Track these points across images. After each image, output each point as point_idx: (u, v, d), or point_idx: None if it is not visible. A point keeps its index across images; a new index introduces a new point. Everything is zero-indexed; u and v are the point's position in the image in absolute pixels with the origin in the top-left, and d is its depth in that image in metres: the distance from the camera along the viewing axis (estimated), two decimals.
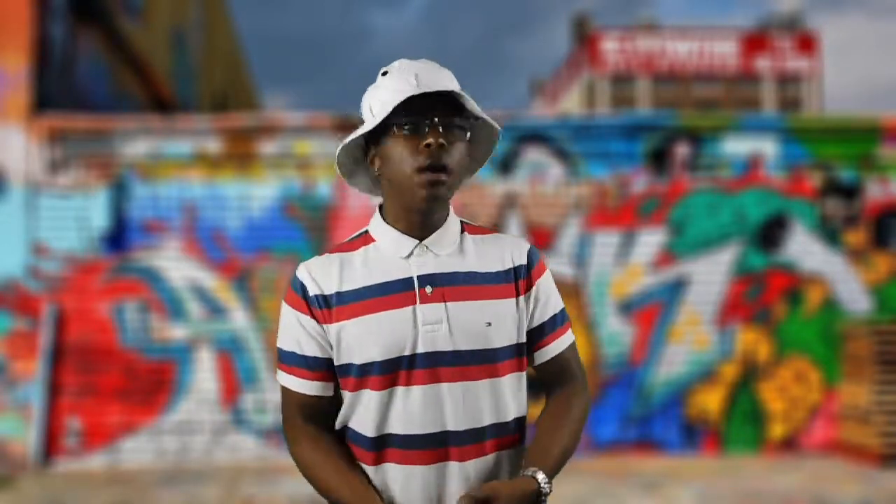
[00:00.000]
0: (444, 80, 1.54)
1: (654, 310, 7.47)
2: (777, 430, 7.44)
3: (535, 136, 7.50)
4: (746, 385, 7.45)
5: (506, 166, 7.45)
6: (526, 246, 1.66)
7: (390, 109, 1.49)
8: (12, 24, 7.35)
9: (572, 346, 1.69)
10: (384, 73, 1.58)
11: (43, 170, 7.24)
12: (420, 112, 1.51)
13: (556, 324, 1.65)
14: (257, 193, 7.38)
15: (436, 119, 1.50)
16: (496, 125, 1.60)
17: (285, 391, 1.62)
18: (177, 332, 7.23)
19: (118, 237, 7.27)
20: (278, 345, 1.62)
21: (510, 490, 1.46)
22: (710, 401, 7.43)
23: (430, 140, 1.49)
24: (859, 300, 7.57)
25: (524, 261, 1.63)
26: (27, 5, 7.38)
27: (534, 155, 7.51)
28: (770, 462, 7.08)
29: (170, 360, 7.20)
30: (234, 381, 7.22)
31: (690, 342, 7.45)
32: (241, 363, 7.23)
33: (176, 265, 7.28)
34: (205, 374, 7.20)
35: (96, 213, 7.25)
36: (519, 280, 1.61)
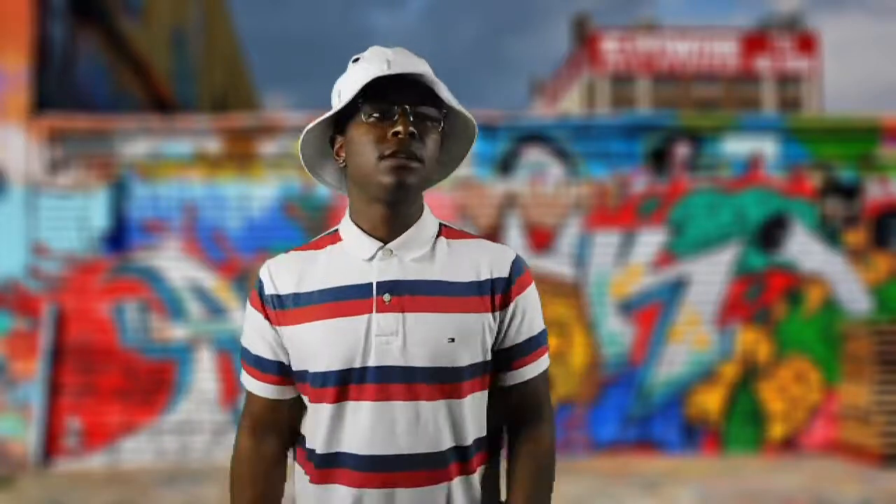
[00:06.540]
0: (416, 66, 1.43)
1: (654, 310, 7.47)
2: (777, 430, 7.44)
3: (535, 136, 7.50)
4: (746, 385, 7.45)
5: (506, 166, 7.45)
6: (511, 256, 1.50)
7: (358, 89, 1.39)
8: (12, 24, 7.35)
9: (544, 374, 1.54)
10: (355, 60, 1.47)
11: (43, 170, 7.24)
12: (390, 99, 1.40)
13: (530, 347, 1.50)
14: (257, 193, 7.38)
15: (406, 107, 1.39)
16: (472, 118, 1.48)
17: (246, 391, 1.57)
18: (177, 332, 7.23)
19: (118, 237, 7.27)
20: (241, 342, 1.58)
21: None
22: (710, 401, 7.42)
23: (399, 128, 1.38)
24: (859, 300, 7.57)
25: (505, 273, 1.47)
26: (27, 5, 7.38)
27: (534, 155, 7.51)
28: (770, 462, 7.08)
29: (170, 360, 7.20)
30: (234, 381, 7.21)
31: (690, 342, 7.45)
32: None
33: (176, 265, 7.28)
34: (205, 374, 7.20)
35: (96, 213, 7.25)
36: (495, 294, 1.45)
